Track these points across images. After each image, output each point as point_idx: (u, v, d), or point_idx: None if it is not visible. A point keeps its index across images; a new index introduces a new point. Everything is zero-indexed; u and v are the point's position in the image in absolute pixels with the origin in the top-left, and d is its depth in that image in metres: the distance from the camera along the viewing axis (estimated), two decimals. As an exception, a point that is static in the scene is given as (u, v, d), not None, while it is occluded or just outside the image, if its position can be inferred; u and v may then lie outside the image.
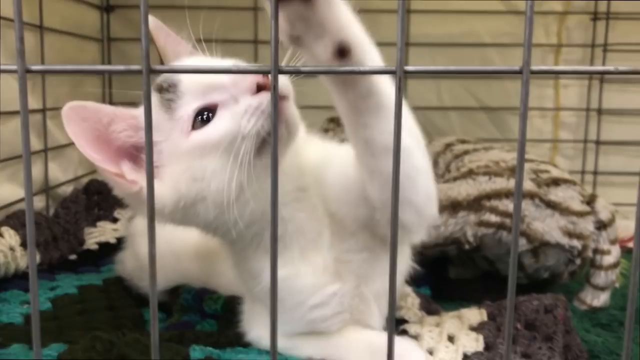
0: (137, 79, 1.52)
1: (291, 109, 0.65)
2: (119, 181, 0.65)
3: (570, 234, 0.98)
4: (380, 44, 0.62)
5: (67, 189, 1.41)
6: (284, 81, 0.63)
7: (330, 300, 0.72)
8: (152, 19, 0.78)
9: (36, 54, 1.24)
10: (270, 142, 0.61)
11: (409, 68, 0.50)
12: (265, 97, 0.62)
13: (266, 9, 0.49)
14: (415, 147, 0.65)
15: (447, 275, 1.10)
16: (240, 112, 0.63)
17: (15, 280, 1.07)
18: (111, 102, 1.59)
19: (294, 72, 0.51)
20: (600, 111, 1.60)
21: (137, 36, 1.58)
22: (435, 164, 1.21)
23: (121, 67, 0.51)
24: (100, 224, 1.40)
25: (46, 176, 1.31)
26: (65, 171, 1.41)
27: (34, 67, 0.52)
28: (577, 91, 1.63)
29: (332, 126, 1.41)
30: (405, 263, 0.80)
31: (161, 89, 0.68)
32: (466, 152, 1.15)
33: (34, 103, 1.25)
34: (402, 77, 0.50)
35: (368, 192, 0.67)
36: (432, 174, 0.67)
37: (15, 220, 1.13)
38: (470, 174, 1.01)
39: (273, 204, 0.46)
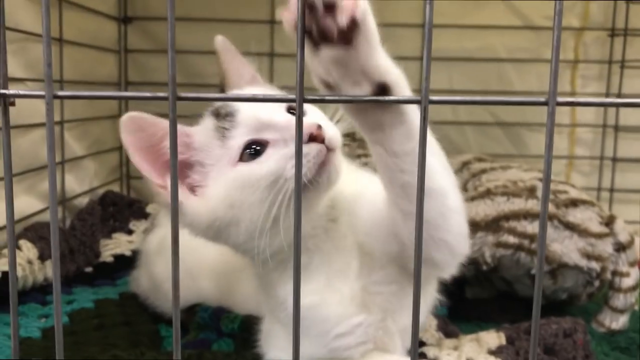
0: (153, 92, 1.50)
1: (336, 160, 0.67)
2: (161, 192, 0.68)
3: (588, 256, 0.98)
4: (395, 58, 0.62)
5: (83, 200, 1.41)
6: (333, 133, 0.66)
7: (354, 330, 0.72)
8: (220, 39, 0.81)
9: (55, 66, 1.25)
10: (310, 187, 0.65)
11: (434, 98, 0.50)
12: (314, 148, 0.64)
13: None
14: (449, 187, 0.65)
15: (463, 295, 1.10)
16: (288, 156, 0.65)
17: (33, 293, 1.07)
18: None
19: (318, 101, 0.50)
20: (617, 128, 1.59)
21: (155, 48, 1.59)
22: (452, 182, 1.20)
23: (147, 94, 0.51)
24: (116, 235, 1.40)
25: (63, 188, 1.31)
26: (81, 182, 1.41)
27: (61, 93, 0.52)
28: (593, 107, 1.62)
29: (347, 141, 1.40)
30: (431, 295, 0.80)
31: (218, 115, 0.71)
32: (483, 171, 1.14)
33: (51, 115, 1.25)
34: (427, 107, 0.50)
35: (400, 232, 0.67)
36: (465, 212, 0.68)
37: (32, 232, 1.14)
38: (488, 194, 1.01)
39: (296, 245, 0.46)
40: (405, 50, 1.58)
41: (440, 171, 0.65)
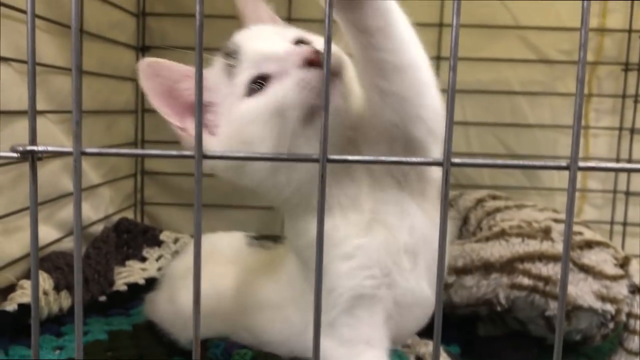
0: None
1: (341, 85, 0.67)
2: (181, 135, 0.72)
3: (603, 298, 0.97)
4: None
5: (98, 228, 1.42)
6: (335, 57, 0.66)
7: (356, 253, 0.72)
8: None
9: (74, 97, 1.26)
10: (318, 115, 0.65)
11: (456, 161, 0.50)
12: (313, 73, 0.66)
13: None
14: (421, 61, 0.67)
15: (476, 333, 1.10)
16: (288, 84, 0.67)
17: (48, 324, 1.08)
18: (143, 142, 1.62)
19: (342, 162, 0.51)
20: (630, 161, 1.59)
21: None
22: (466, 219, 1.21)
23: (174, 153, 0.52)
24: (129, 263, 1.41)
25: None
26: (96, 210, 1.43)
27: (89, 150, 0.53)
28: (607, 141, 1.62)
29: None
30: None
31: (226, 54, 0.73)
32: (498, 210, 1.15)
33: (68, 144, 1.26)
34: (449, 170, 0.50)
35: (380, 113, 0.68)
36: (438, 89, 0.69)
37: (49, 263, 1.14)
38: (503, 234, 1.01)
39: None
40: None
41: (413, 45, 0.66)
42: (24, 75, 1.09)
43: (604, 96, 1.61)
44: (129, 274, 1.36)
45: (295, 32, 0.75)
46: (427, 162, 0.54)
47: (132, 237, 1.47)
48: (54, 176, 1.22)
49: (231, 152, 0.53)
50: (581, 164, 0.50)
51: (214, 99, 0.72)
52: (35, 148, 0.53)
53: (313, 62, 0.66)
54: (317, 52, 0.66)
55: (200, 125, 0.51)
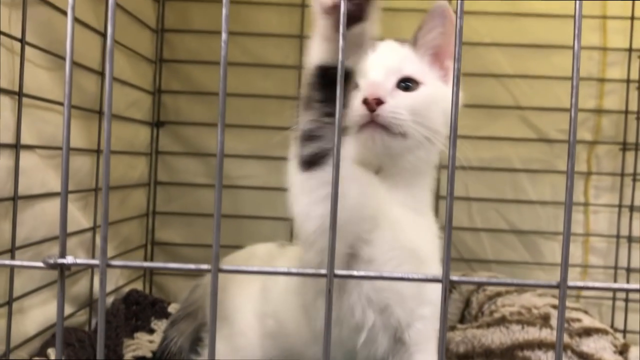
0: (180, 192, 1.59)
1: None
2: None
3: (603, 386, 1.00)
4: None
5: (109, 300, 1.45)
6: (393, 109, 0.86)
7: None
8: None
9: (91, 176, 1.31)
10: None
11: (454, 278, 0.54)
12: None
13: None
14: None
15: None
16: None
17: (58, 402, 1.10)
18: (154, 213, 1.66)
19: (348, 277, 0.55)
20: (630, 239, 1.62)
21: (184, 150, 1.64)
22: (468, 302, 1.23)
23: (191, 266, 0.57)
24: (137, 335, 1.44)
25: (91, 291, 1.35)
26: (108, 282, 1.45)
27: (114, 263, 0.58)
28: (607, 217, 1.66)
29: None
30: None
31: None
32: (499, 294, 1.17)
33: (84, 222, 1.31)
34: (447, 287, 0.54)
35: None
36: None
37: (61, 339, 1.17)
38: (504, 321, 1.04)
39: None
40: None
41: None
42: (46, 159, 1.14)
43: (603, 174, 1.66)
44: (137, 347, 1.38)
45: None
46: (427, 279, 0.58)
47: (141, 309, 1.50)
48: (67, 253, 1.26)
49: (247, 268, 0.57)
50: (570, 283, 0.54)
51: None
52: (64, 261, 0.57)
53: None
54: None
55: (217, 241, 0.55)
